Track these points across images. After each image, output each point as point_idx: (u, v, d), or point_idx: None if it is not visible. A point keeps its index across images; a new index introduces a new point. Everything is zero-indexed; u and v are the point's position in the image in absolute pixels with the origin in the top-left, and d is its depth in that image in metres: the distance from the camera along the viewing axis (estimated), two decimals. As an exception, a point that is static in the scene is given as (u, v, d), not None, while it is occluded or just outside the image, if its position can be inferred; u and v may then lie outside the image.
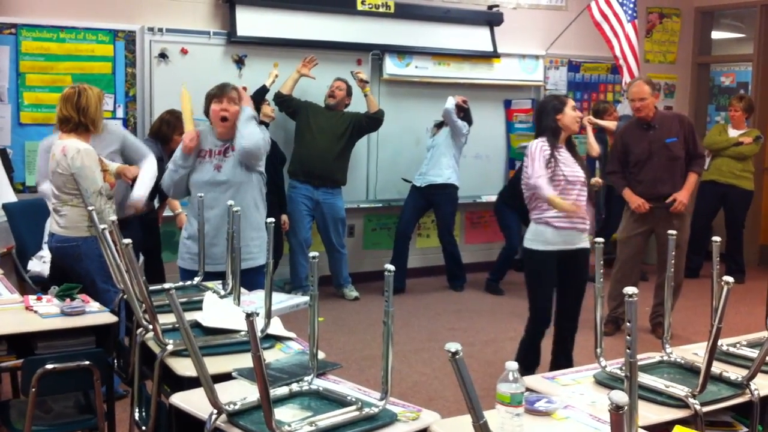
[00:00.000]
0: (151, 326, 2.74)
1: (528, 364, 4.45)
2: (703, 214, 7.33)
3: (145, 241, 5.10)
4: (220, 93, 4.02)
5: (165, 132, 5.33)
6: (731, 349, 2.83)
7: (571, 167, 4.31)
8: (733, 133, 7.31)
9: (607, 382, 2.49)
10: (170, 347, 2.65)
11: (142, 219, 5.03)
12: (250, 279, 3.81)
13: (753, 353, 2.69)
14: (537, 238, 4.33)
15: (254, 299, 3.24)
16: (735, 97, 7.60)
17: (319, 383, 2.39)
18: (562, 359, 4.52)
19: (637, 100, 5.50)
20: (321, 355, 2.52)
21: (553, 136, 4.33)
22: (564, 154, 4.34)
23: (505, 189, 7.18)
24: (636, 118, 5.62)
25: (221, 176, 3.97)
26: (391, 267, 2.14)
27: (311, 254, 2.37)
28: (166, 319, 2.75)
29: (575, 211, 4.20)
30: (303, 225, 6.40)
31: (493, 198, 7.63)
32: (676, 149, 5.52)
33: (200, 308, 3.08)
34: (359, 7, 6.85)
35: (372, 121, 6.53)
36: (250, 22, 6.43)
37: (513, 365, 2.03)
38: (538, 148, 4.30)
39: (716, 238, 2.76)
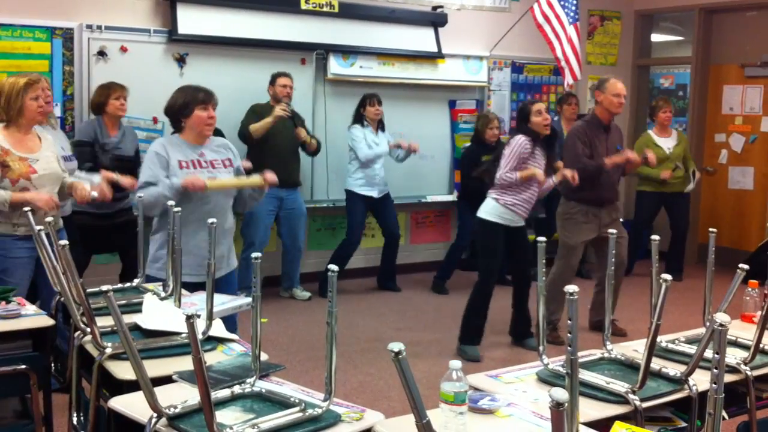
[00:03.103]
0: (89, 329, 2.68)
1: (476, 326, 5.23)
2: (643, 217, 7.43)
3: (122, 243, 5.37)
4: (207, 99, 3.76)
5: (99, 101, 5.34)
6: (670, 346, 2.88)
7: (540, 167, 5.07)
8: (659, 140, 7.35)
9: (549, 379, 2.51)
10: (109, 350, 2.60)
11: (113, 219, 5.27)
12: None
13: (691, 349, 2.73)
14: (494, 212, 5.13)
15: (195, 301, 3.19)
16: (662, 99, 7.67)
17: (262, 385, 2.36)
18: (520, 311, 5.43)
19: (622, 96, 5.38)
20: (264, 356, 2.50)
21: (531, 137, 5.04)
22: (538, 153, 5.09)
23: (467, 184, 6.90)
24: (596, 119, 5.48)
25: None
26: (335, 267, 2.12)
27: (253, 255, 2.37)
28: (106, 322, 2.70)
29: (541, 175, 5.02)
30: (265, 226, 6.34)
31: (438, 198, 7.68)
32: None
33: (140, 311, 3.03)
34: (303, 6, 6.80)
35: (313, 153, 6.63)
36: (192, 20, 6.33)
37: (456, 364, 2.03)
38: (518, 144, 5.02)
39: (655, 237, 2.80)
